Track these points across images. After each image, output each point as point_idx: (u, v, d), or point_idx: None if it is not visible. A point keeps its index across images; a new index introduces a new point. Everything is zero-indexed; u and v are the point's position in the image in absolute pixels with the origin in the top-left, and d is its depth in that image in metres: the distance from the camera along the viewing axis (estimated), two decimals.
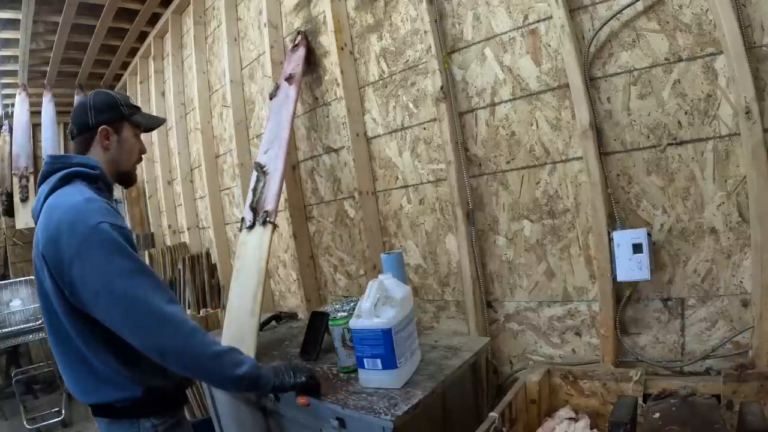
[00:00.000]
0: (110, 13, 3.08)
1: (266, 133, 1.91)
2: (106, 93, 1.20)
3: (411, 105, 1.70)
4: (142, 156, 1.28)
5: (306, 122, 2.13)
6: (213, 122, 2.91)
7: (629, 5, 1.19)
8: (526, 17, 1.38)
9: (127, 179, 1.25)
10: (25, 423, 3.22)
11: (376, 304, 1.15)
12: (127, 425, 1.05)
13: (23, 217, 4.14)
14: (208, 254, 3.04)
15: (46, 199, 1.05)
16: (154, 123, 1.34)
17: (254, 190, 1.76)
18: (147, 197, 3.93)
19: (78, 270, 0.95)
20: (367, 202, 1.85)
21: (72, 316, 0.99)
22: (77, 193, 1.03)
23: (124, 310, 0.94)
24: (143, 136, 1.27)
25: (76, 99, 4.03)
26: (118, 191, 4.13)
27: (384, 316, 1.14)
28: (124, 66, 4.07)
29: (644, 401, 1.12)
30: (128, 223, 4.19)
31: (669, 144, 1.19)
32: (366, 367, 1.17)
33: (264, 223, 1.64)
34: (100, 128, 1.15)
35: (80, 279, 0.95)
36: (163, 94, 3.53)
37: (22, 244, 4.41)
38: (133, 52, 3.83)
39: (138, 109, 1.24)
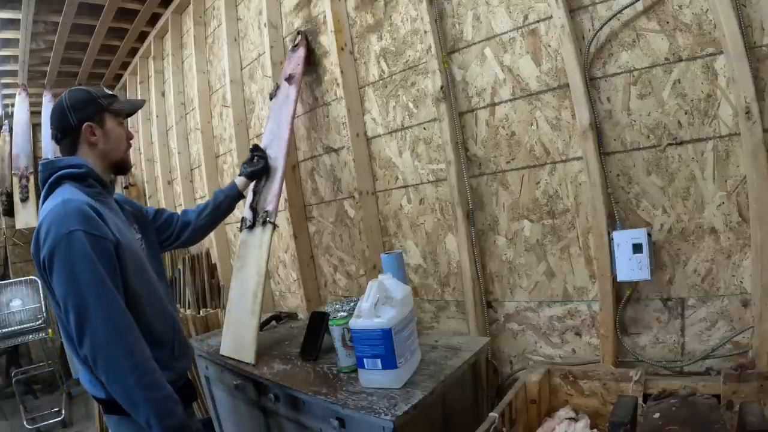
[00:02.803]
0: (110, 13, 3.07)
1: (266, 133, 1.91)
2: (79, 89, 1.20)
3: (411, 105, 1.70)
4: (131, 142, 1.28)
5: (306, 122, 2.13)
6: (213, 122, 2.91)
7: (629, 5, 1.19)
8: (526, 17, 1.38)
9: (123, 167, 1.26)
10: (25, 423, 3.22)
11: (376, 304, 1.15)
12: (138, 422, 1.05)
13: (23, 217, 4.14)
14: (208, 254, 3.04)
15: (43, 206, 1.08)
16: (134, 106, 1.36)
17: (254, 190, 1.76)
18: (147, 197, 3.93)
19: (50, 274, 0.99)
20: (367, 202, 1.85)
21: None
22: (59, 196, 1.05)
23: (77, 323, 0.98)
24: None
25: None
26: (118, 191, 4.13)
27: (384, 316, 1.14)
28: (124, 66, 4.07)
29: (644, 401, 1.12)
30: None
31: (669, 144, 1.19)
32: (366, 367, 1.17)
33: (264, 223, 1.64)
34: (84, 126, 1.15)
35: (53, 283, 1.00)
36: (163, 94, 3.53)
37: (22, 244, 4.41)
38: (133, 52, 3.83)
39: (115, 97, 1.24)
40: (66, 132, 1.16)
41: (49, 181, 1.09)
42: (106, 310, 0.98)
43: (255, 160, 1.69)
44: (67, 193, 1.05)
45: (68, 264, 0.97)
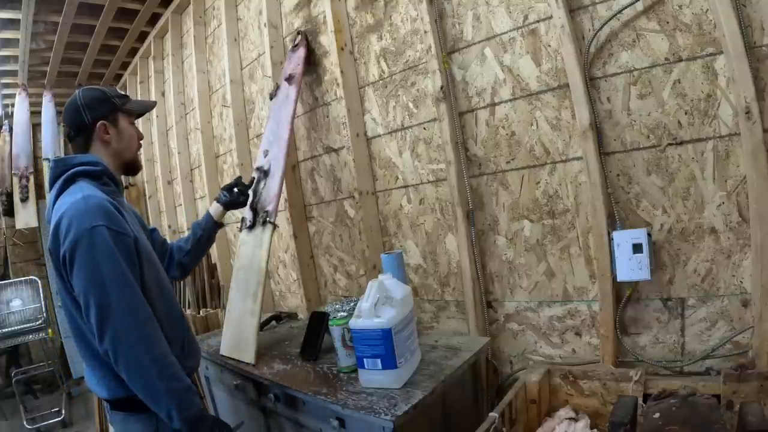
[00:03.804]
0: (110, 13, 3.07)
1: (266, 133, 1.91)
2: (93, 89, 1.20)
3: (411, 105, 1.70)
4: (141, 142, 1.29)
5: (306, 122, 2.13)
6: (213, 122, 2.91)
7: (629, 5, 1.19)
8: (526, 17, 1.38)
9: (133, 167, 1.28)
10: (25, 423, 3.22)
11: (376, 304, 1.16)
12: (145, 418, 1.06)
13: (23, 217, 4.13)
14: (208, 254, 3.04)
15: (54, 203, 1.08)
16: (146, 107, 1.37)
17: (254, 190, 1.76)
18: (147, 197, 3.93)
19: (71, 269, 0.99)
20: (367, 202, 1.85)
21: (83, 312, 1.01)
22: (77, 192, 1.05)
23: (98, 317, 0.97)
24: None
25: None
26: None
27: (384, 316, 1.14)
28: (124, 66, 4.07)
29: (644, 401, 1.12)
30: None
31: (669, 144, 1.19)
32: (366, 367, 1.17)
33: (264, 223, 1.64)
34: (98, 124, 1.15)
35: (73, 278, 0.99)
36: (163, 94, 3.53)
37: (22, 244, 4.41)
38: (133, 52, 3.82)
39: (127, 97, 1.25)
40: (80, 130, 1.16)
41: (63, 177, 1.09)
42: (127, 305, 0.99)
43: (236, 193, 1.56)
44: (85, 189, 1.05)
45: (91, 259, 0.97)
